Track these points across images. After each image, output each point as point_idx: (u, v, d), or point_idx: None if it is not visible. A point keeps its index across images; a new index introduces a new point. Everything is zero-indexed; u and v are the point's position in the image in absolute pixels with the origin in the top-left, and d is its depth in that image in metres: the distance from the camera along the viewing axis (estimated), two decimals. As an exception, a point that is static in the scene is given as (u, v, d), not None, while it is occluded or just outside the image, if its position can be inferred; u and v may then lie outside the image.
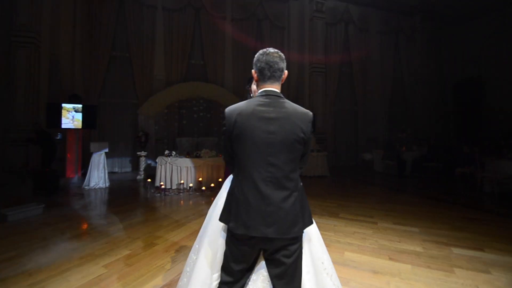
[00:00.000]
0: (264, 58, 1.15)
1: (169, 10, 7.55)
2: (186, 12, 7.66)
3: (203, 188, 5.33)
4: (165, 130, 7.60)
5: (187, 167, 5.57)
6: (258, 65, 1.17)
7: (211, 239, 1.31)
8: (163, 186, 5.26)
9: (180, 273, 2.23)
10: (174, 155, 5.63)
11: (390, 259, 2.53)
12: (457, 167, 5.91)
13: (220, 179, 5.82)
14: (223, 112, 8.42)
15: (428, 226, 3.43)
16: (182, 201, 4.69)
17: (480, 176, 5.26)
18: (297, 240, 1.11)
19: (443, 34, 10.09)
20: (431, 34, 9.81)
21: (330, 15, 8.61)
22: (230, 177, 1.50)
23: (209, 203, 4.53)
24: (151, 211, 4.08)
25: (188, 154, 5.85)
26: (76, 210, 4.02)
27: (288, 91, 8.78)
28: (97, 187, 5.39)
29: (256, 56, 1.19)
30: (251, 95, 1.57)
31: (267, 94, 1.15)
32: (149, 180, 5.63)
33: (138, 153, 6.54)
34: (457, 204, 4.56)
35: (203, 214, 3.88)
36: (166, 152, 5.68)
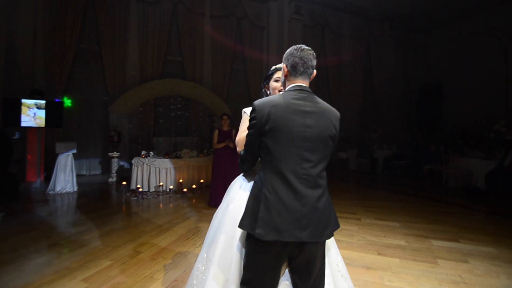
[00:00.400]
0: (298, 53, 1.12)
1: (144, 1, 7.13)
2: (162, 5, 7.29)
3: (185, 190, 5.11)
4: (140, 129, 7.16)
5: (167, 168, 5.30)
6: (291, 60, 1.14)
7: (224, 249, 1.21)
8: (140, 189, 4.94)
9: (173, 282, 2.10)
10: (152, 155, 5.33)
11: (379, 254, 2.63)
12: (424, 164, 6.40)
13: (202, 180, 5.65)
14: (202, 110, 8.07)
15: (406, 220, 3.65)
16: (162, 204, 4.44)
17: (445, 173, 5.75)
18: (324, 245, 1.06)
19: (409, 42, 10.89)
20: (398, 41, 10.55)
21: (308, 17, 8.81)
22: (238, 178, 1.42)
23: (192, 205, 4.35)
24: (130, 216, 3.80)
25: (167, 154, 5.57)
26: (42, 218, 3.59)
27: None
28: (63, 191, 4.89)
29: (288, 51, 1.17)
30: (268, 92, 1.53)
31: (301, 89, 1.11)
32: (124, 182, 5.25)
33: (110, 154, 6.07)
34: (427, 198, 4.94)
35: (187, 218, 3.71)
36: (143, 152, 5.36)
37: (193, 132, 7.56)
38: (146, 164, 5.17)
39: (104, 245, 2.74)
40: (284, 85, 1.22)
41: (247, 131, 1.15)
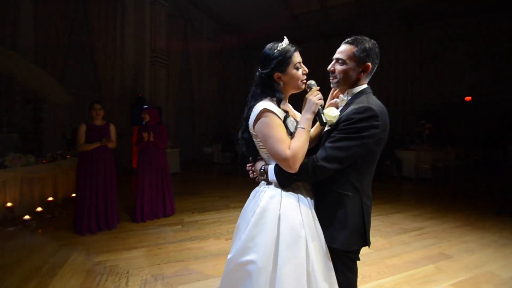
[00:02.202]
0: (379, 53, 1.13)
1: None
2: None
3: (26, 217, 3.28)
4: None
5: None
6: (376, 61, 1.12)
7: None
8: None
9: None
10: None
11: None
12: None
13: (50, 198, 3.84)
14: (20, 92, 5.55)
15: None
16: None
17: (389, 165, 7.06)
18: None
19: (250, 53, 13.21)
20: (242, 51, 12.49)
21: (172, 7, 8.24)
22: (271, 194, 1.10)
23: (38, 236, 2.95)
24: None
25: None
26: None
27: (122, 77, 7.35)
28: None
29: (373, 48, 1.10)
30: (281, 84, 1.16)
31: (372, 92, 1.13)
32: None
33: None
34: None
35: (46, 255, 2.51)
36: None
37: (5, 124, 4.81)
38: None
39: None
40: (345, 81, 1.13)
41: (303, 136, 1.03)
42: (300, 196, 1.10)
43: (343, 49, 1.13)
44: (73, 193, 4.24)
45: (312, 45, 12.25)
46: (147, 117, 3.49)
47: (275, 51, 1.11)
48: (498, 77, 8.99)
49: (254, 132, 1.13)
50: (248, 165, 1.28)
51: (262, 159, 1.21)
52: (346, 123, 1.03)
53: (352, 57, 1.10)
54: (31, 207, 3.56)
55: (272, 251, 1.00)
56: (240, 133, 1.24)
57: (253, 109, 1.11)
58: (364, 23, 10.17)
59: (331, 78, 1.19)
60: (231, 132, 9.27)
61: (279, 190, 1.10)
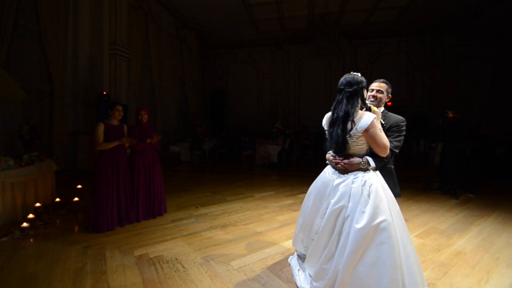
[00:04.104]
0: None
1: None
2: None
3: (4, 226, 2.98)
4: None
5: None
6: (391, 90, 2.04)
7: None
8: None
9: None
10: None
11: (293, 211, 3.93)
12: (242, 151, 8.75)
13: (38, 204, 3.48)
14: None
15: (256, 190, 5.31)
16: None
17: (257, 155, 8.38)
18: None
19: (206, 53, 13.23)
20: (200, 50, 12.43)
21: (132, -4, 7.77)
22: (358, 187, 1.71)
23: (48, 242, 2.89)
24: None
25: None
26: None
27: (76, 70, 6.67)
28: None
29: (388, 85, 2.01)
30: (366, 100, 1.85)
31: None
32: None
33: None
34: (246, 173, 7.10)
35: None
36: None
37: None
38: None
39: None
40: (379, 103, 2.04)
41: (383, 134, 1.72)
42: (378, 173, 1.81)
43: (382, 86, 2.09)
44: (55, 198, 3.94)
45: (267, 49, 13.13)
46: (146, 117, 3.55)
47: (359, 77, 1.79)
48: (412, 87, 11.66)
49: (360, 133, 1.70)
50: (338, 159, 1.81)
51: (349, 155, 1.78)
52: (397, 127, 1.85)
53: (387, 90, 2.09)
54: (14, 215, 3.21)
55: (388, 209, 1.62)
56: (338, 132, 1.74)
57: (363, 118, 1.69)
58: (313, 35, 11.52)
59: (372, 99, 2.04)
60: (199, 131, 9.33)
61: (373, 173, 1.73)
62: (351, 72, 1.81)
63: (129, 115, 7.65)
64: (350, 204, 1.66)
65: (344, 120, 1.72)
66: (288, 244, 2.79)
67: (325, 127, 1.92)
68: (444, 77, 11.65)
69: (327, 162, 1.96)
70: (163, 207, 3.72)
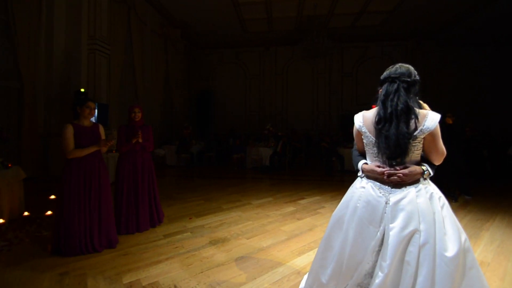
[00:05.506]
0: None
1: None
2: None
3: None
4: None
5: None
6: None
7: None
8: None
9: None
10: None
11: (297, 219, 3.67)
12: (233, 154, 8.38)
13: (1, 220, 2.92)
14: None
15: (253, 195, 5.01)
16: None
17: (248, 158, 8.06)
18: None
19: (192, 53, 12.74)
20: (186, 49, 11.92)
21: (113, -12, 7.20)
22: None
23: (14, 269, 2.40)
24: None
25: None
26: None
27: (50, 66, 6.02)
28: None
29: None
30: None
31: None
32: None
33: None
34: (237, 178, 6.79)
35: None
36: None
37: None
38: None
39: None
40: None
41: None
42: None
43: None
44: (23, 212, 3.40)
45: (254, 49, 12.89)
46: (139, 116, 3.21)
47: (414, 71, 1.44)
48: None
49: (423, 136, 1.34)
50: (395, 169, 1.34)
51: (407, 162, 1.36)
52: None
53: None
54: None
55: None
56: (400, 130, 1.31)
57: (429, 117, 1.32)
58: (301, 37, 11.43)
59: None
60: (186, 133, 8.84)
61: (429, 181, 1.41)
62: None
63: (110, 116, 7.07)
64: (422, 226, 1.23)
65: (407, 115, 1.31)
66: (302, 261, 2.49)
67: (362, 129, 1.49)
68: (426, 82, 12.02)
69: (360, 175, 1.51)
70: (161, 215, 3.46)
